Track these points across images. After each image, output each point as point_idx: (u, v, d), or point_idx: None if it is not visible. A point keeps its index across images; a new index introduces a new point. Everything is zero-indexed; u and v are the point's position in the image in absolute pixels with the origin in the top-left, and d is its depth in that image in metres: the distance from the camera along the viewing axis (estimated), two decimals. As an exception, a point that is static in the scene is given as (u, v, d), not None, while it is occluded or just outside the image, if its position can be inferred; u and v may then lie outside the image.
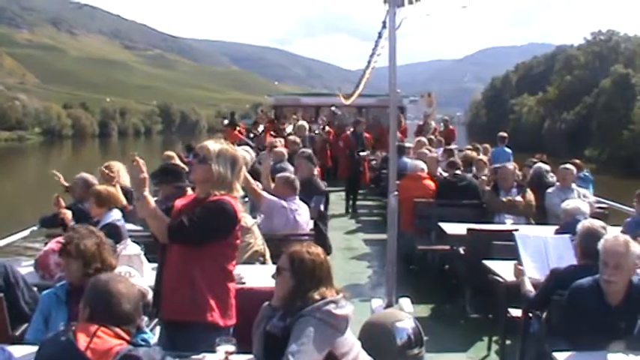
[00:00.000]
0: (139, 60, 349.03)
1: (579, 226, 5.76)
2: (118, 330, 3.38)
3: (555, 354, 4.46)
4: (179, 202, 4.73)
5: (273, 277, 4.06)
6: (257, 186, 8.25)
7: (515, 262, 6.46)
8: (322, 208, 9.67)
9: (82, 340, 3.27)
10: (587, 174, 12.68)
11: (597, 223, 5.73)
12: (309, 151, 11.50)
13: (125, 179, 8.68)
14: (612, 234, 5.06)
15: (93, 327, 3.34)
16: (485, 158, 14.11)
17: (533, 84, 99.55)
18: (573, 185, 10.47)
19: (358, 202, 17.51)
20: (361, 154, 16.86)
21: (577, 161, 11.75)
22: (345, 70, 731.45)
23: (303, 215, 8.34)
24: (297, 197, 8.43)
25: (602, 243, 4.82)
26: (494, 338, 7.44)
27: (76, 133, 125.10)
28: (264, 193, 8.20)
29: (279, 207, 8.11)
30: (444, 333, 8.12)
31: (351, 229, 15.04)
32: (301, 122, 19.46)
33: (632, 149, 57.34)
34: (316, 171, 10.55)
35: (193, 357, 4.08)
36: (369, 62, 7.90)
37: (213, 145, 4.57)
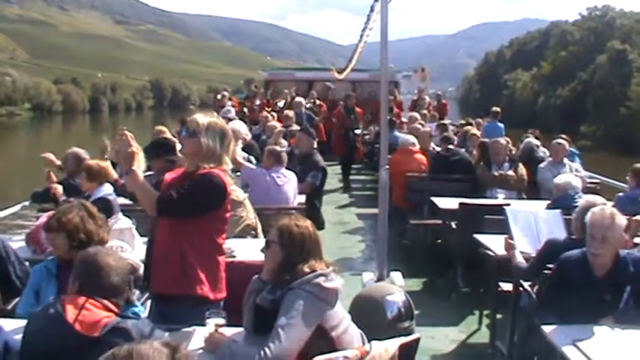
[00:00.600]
0: (130, 35, 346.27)
1: (582, 201, 5.80)
2: (106, 302, 3.39)
3: (543, 327, 4.48)
4: (169, 176, 4.72)
5: (262, 250, 4.06)
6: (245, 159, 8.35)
7: (506, 236, 6.47)
8: (318, 183, 9.65)
9: (71, 313, 3.27)
10: (573, 149, 12.69)
11: (599, 200, 5.76)
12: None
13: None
14: (600, 206, 5.06)
15: (81, 299, 3.35)
16: (478, 133, 14.11)
17: (528, 59, 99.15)
18: (565, 160, 10.47)
19: (351, 177, 17.55)
20: (356, 132, 16.91)
21: (563, 136, 11.74)
22: (338, 45, 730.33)
23: (289, 186, 8.38)
24: (284, 168, 8.47)
25: (589, 216, 4.82)
26: (486, 312, 7.47)
27: (67, 109, 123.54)
28: (244, 162, 8.30)
29: (258, 174, 8.24)
30: (436, 307, 8.15)
31: (344, 203, 15.07)
32: (298, 98, 19.38)
33: (629, 126, 56.64)
34: (315, 145, 10.52)
35: (183, 329, 4.09)
36: (361, 36, 7.88)
37: (203, 118, 4.54)
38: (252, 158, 9.81)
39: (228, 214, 4.63)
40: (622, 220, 4.79)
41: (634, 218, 6.14)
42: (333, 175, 17.92)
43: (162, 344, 2.19)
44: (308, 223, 4.04)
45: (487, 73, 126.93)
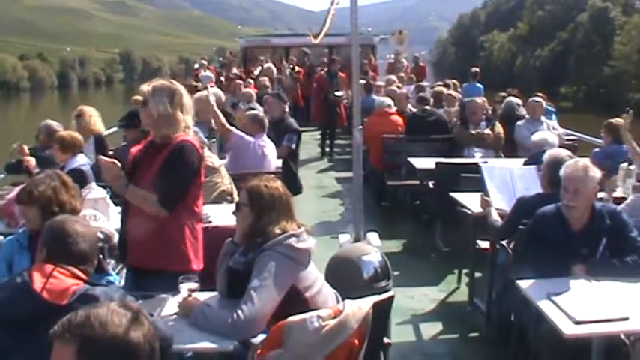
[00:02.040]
0: (98, 7, 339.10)
1: (545, 156, 5.78)
2: (74, 269, 3.34)
3: (519, 281, 4.48)
4: (134, 150, 4.67)
5: (233, 213, 4.03)
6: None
7: (481, 193, 6.47)
8: (294, 146, 9.61)
9: (38, 281, 3.22)
10: (549, 106, 12.68)
11: (563, 153, 5.75)
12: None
13: (99, 126, 8.62)
14: (574, 160, 5.05)
15: (49, 267, 3.30)
16: (454, 93, 14.10)
17: (503, 20, 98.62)
18: (542, 118, 10.48)
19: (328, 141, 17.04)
20: (336, 94, 16.46)
21: (540, 94, 11.71)
22: (308, 12, 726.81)
23: (270, 153, 8.34)
24: (265, 135, 8.41)
25: (563, 169, 4.81)
26: (464, 270, 7.51)
27: (34, 85, 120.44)
28: (233, 129, 8.21)
29: (247, 143, 8.14)
30: (416, 267, 8.20)
31: (323, 167, 15.08)
32: (268, 64, 19.26)
33: (612, 86, 55.96)
34: (286, 109, 10.47)
35: (157, 296, 4.06)
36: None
37: (148, 85, 4.49)
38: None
39: (202, 179, 4.62)
40: (595, 172, 4.78)
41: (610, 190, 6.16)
42: (313, 141, 17.94)
43: (120, 306, 2.14)
44: (278, 184, 4.01)
45: (461, 36, 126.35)
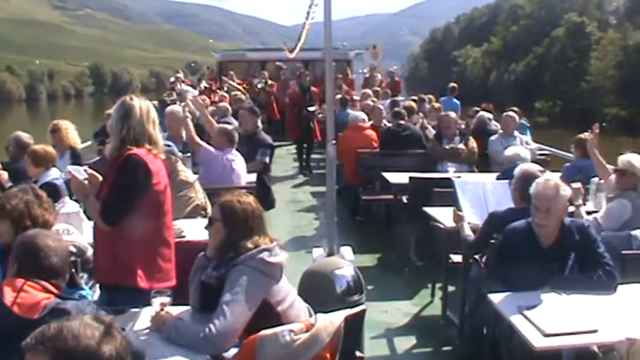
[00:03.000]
0: (68, 20, 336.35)
1: (517, 170, 5.84)
2: (45, 284, 3.34)
3: (490, 295, 4.52)
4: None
5: (206, 228, 4.04)
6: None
7: (454, 208, 6.52)
8: (267, 160, 9.61)
9: (9, 296, 3.21)
10: (524, 122, 12.82)
11: (534, 167, 5.82)
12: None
13: (76, 139, 8.62)
14: (545, 177, 5.10)
15: (19, 282, 3.30)
16: (437, 105, 14.39)
17: (477, 35, 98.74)
18: (516, 132, 10.59)
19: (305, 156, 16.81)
20: (310, 109, 16.19)
21: (515, 109, 11.83)
22: (281, 27, 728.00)
23: (239, 167, 8.35)
24: (234, 149, 8.43)
25: (534, 187, 4.86)
26: (438, 285, 7.52)
27: (2, 98, 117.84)
28: (202, 142, 8.23)
29: (215, 157, 8.16)
30: (390, 281, 8.23)
31: (298, 182, 15.08)
32: (227, 85, 19.41)
33: (589, 102, 56.08)
34: (259, 123, 10.47)
35: (129, 310, 4.05)
36: (308, 13, 7.81)
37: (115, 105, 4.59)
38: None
39: (162, 196, 4.55)
40: (566, 190, 4.84)
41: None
42: (288, 155, 17.97)
43: (93, 319, 2.15)
44: (251, 199, 4.03)
45: (434, 50, 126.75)
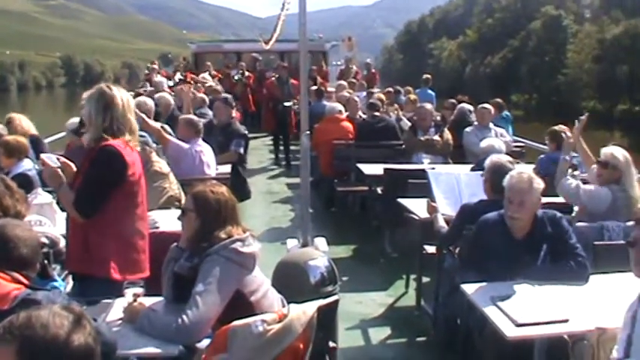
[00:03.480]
0: (40, 10, 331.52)
1: (487, 162, 5.88)
2: (16, 275, 3.31)
3: (463, 286, 4.54)
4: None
5: (179, 218, 4.03)
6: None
7: (428, 199, 6.54)
8: (242, 151, 9.58)
9: (-23, 287, 3.19)
10: (507, 114, 12.89)
11: (504, 158, 5.87)
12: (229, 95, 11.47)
13: (31, 128, 8.56)
14: (518, 170, 5.13)
15: (-11, 272, 3.27)
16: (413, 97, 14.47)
17: (452, 27, 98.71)
18: (491, 124, 10.62)
19: (282, 148, 16.64)
20: (285, 104, 15.86)
21: (499, 100, 11.90)
22: (255, 18, 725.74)
23: (209, 158, 8.36)
24: (201, 139, 8.43)
25: (507, 180, 4.89)
26: (413, 276, 7.54)
27: None
28: (169, 137, 8.20)
29: (184, 150, 8.16)
30: (364, 272, 8.26)
31: (274, 173, 15.05)
32: (202, 74, 19.27)
33: (565, 95, 56.03)
34: (235, 114, 10.45)
35: (102, 301, 4.03)
36: (283, 3, 7.79)
37: (88, 91, 4.53)
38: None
39: (137, 187, 4.52)
40: (539, 183, 4.87)
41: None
42: (264, 146, 17.95)
43: (62, 308, 2.13)
44: (224, 189, 4.02)
45: (409, 43, 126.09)
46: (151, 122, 8.21)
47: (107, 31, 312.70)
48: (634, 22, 54.67)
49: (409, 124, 11.18)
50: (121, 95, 4.52)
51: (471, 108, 11.72)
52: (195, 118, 8.82)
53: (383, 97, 14.08)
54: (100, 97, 4.43)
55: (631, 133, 40.91)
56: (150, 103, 9.35)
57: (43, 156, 4.54)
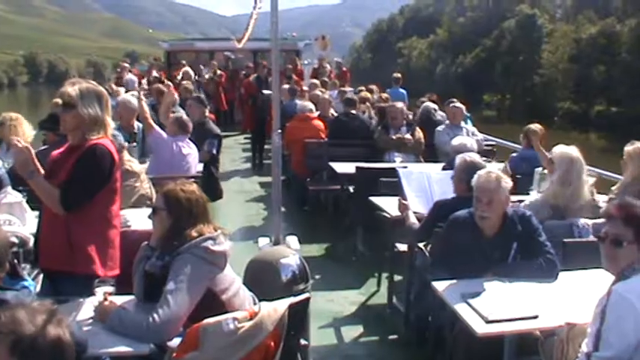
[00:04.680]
0: (3, 8, 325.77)
1: (457, 160, 5.93)
2: (-17, 274, 3.29)
3: (434, 283, 4.56)
4: (55, 153, 4.58)
5: (149, 217, 4.02)
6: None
7: (399, 197, 6.56)
8: (214, 151, 9.57)
9: (-54, 287, 3.16)
10: (467, 114, 12.95)
11: (474, 156, 5.94)
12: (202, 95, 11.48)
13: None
14: (486, 169, 5.17)
15: (-44, 272, 3.24)
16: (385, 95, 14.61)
17: (422, 27, 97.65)
18: (462, 123, 10.67)
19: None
20: (265, 92, 15.50)
21: (454, 100, 11.95)
22: (221, 17, 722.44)
23: (190, 155, 8.44)
24: (187, 138, 8.49)
25: (475, 179, 4.93)
26: (385, 274, 7.54)
27: None
28: (155, 126, 8.39)
29: (165, 140, 8.29)
30: (337, 271, 8.28)
31: (247, 173, 15.03)
32: (186, 68, 19.11)
33: (541, 95, 55.79)
34: (207, 113, 10.45)
35: (73, 301, 4.01)
36: (255, 1, 7.80)
37: (73, 87, 4.40)
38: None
39: (118, 184, 4.52)
40: (507, 182, 4.91)
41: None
42: (237, 145, 17.94)
43: (39, 305, 2.17)
44: (194, 187, 4.02)
45: (378, 42, 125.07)
46: (146, 107, 8.58)
47: (71, 28, 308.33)
48: (610, 22, 54.63)
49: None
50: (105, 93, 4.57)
51: (435, 106, 11.82)
52: (184, 116, 8.90)
53: (369, 95, 14.15)
54: (102, 97, 4.45)
55: (607, 135, 40.85)
56: (134, 101, 9.35)
57: (14, 138, 4.46)
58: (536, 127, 8.46)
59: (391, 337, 6.53)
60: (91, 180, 4.28)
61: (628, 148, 6.52)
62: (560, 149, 6.17)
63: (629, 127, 37.91)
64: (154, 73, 20.83)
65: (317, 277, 7.81)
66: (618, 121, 42.73)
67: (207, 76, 20.38)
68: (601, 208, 5.94)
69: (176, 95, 12.82)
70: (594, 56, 53.00)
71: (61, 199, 4.21)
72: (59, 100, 4.64)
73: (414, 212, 6.22)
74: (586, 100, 51.36)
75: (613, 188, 6.66)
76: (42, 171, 4.27)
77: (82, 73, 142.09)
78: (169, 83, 15.07)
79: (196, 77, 19.42)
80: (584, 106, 51.23)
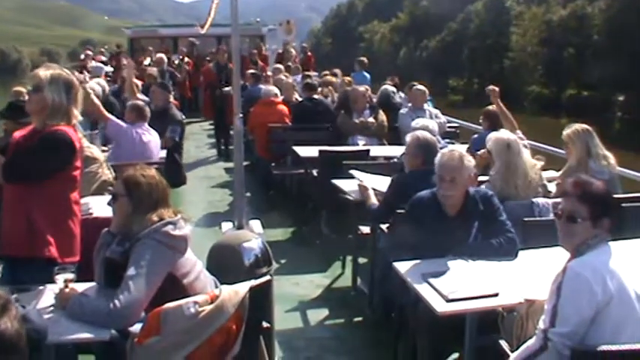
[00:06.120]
0: None
1: (409, 138, 6.08)
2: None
3: (396, 264, 4.60)
4: (17, 134, 4.56)
5: (109, 204, 4.00)
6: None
7: (358, 182, 6.63)
8: (177, 138, 9.52)
9: None
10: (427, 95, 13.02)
11: (426, 133, 6.19)
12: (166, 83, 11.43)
13: None
14: (449, 148, 5.23)
15: None
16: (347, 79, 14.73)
17: (383, 10, 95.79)
18: (425, 106, 10.71)
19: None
20: (225, 90, 14.94)
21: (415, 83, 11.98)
22: (177, 3, 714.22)
23: (151, 141, 8.39)
24: (146, 124, 8.45)
25: (439, 158, 4.97)
26: (350, 257, 7.59)
27: None
28: (110, 116, 8.26)
29: (124, 129, 8.21)
30: (302, 254, 8.34)
31: (212, 159, 15.00)
32: (160, 54, 18.94)
33: (510, 80, 53.14)
34: (172, 99, 10.40)
35: (33, 289, 3.98)
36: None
37: (45, 71, 4.39)
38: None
39: (78, 172, 4.50)
40: (470, 161, 4.95)
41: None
42: (202, 131, 17.90)
43: None
44: (153, 172, 4.01)
45: (338, 26, 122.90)
46: (96, 100, 8.31)
47: (24, 16, 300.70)
48: (581, 3, 53.92)
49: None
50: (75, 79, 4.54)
51: (394, 89, 11.87)
52: (141, 103, 8.85)
53: (334, 79, 14.19)
54: (72, 87, 4.43)
55: (579, 119, 40.31)
56: (98, 87, 9.27)
57: None
58: (495, 108, 8.56)
59: (356, 319, 6.58)
60: (42, 159, 4.26)
61: (567, 131, 6.61)
62: (493, 136, 6.22)
63: (601, 112, 38.00)
64: (124, 61, 20.64)
65: (282, 260, 7.84)
66: (590, 105, 42.33)
67: (176, 62, 20.27)
68: (548, 187, 6.09)
69: (137, 81, 12.76)
70: (565, 39, 51.73)
71: (4, 166, 4.21)
72: (21, 89, 4.62)
73: (374, 190, 6.28)
74: (557, 84, 50.35)
75: (560, 173, 6.74)
76: None
77: (35, 61, 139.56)
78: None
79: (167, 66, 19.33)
80: (555, 90, 50.32)
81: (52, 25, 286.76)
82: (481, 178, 5.77)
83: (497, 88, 8.55)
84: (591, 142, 6.49)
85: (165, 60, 18.38)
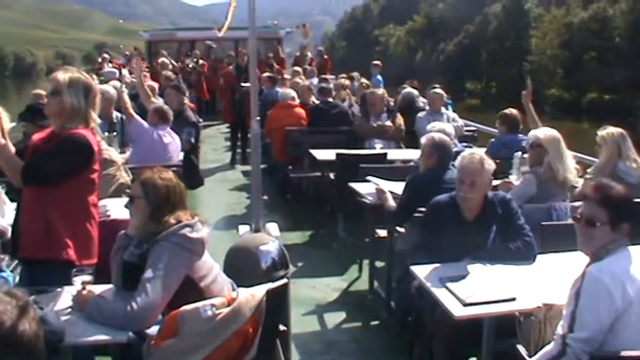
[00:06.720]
0: None
1: (424, 140, 6.14)
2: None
3: (413, 268, 4.58)
4: (36, 137, 4.58)
5: (126, 206, 4.01)
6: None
7: (375, 185, 6.62)
8: (193, 140, 9.54)
9: None
10: (449, 101, 13.01)
11: (442, 134, 6.21)
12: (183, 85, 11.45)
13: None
14: (470, 151, 5.23)
15: None
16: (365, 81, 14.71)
17: (399, 13, 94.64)
18: (443, 109, 10.69)
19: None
20: (244, 85, 14.39)
21: (436, 86, 11.96)
22: (191, 6, 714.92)
23: (171, 144, 8.44)
24: (169, 127, 8.51)
25: (459, 161, 4.97)
26: (366, 260, 7.57)
27: None
28: (135, 115, 8.36)
29: (146, 129, 8.27)
30: (318, 258, 8.32)
31: (229, 161, 14.97)
32: (162, 58, 18.98)
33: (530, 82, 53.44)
34: (187, 101, 10.44)
35: (51, 291, 4.00)
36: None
37: (64, 75, 4.40)
38: None
39: (96, 174, 4.51)
40: (490, 165, 4.94)
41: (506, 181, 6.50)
42: (219, 134, 17.92)
43: (5, 294, 2.13)
44: (170, 174, 4.01)
45: (353, 30, 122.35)
46: (126, 98, 8.54)
47: (39, 20, 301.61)
48: (602, 6, 53.03)
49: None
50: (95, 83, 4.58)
51: (417, 93, 11.86)
52: (164, 106, 8.89)
53: (347, 82, 14.20)
54: (90, 90, 4.44)
55: (600, 124, 39.57)
56: (113, 90, 9.34)
57: None
58: (511, 112, 8.54)
59: (373, 322, 6.55)
60: (60, 161, 4.27)
61: (602, 132, 6.61)
62: (542, 132, 6.24)
63: (623, 117, 37.41)
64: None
65: (299, 264, 7.85)
66: (612, 109, 41.61)
67: (190, 65, 20.33)
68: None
69: (154, 84, 12.79)
70: (586, 42, 50.83)
71: (22, 169, 4.21)
72: (40, 92, 4.63)
73: (392, 192, 6.28)
74: (578, 87, 49.51)
75: (589, 171, 6.71)
76: (10, 145, 4.28)
77: (50, 65, 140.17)
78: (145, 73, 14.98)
79: (180, 65, 19.38)
80: (576, 94, 49.58)
81: (66, 29, 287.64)
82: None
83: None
84: (623, 144, 6.49)
85: (169, 63, 18.44)
